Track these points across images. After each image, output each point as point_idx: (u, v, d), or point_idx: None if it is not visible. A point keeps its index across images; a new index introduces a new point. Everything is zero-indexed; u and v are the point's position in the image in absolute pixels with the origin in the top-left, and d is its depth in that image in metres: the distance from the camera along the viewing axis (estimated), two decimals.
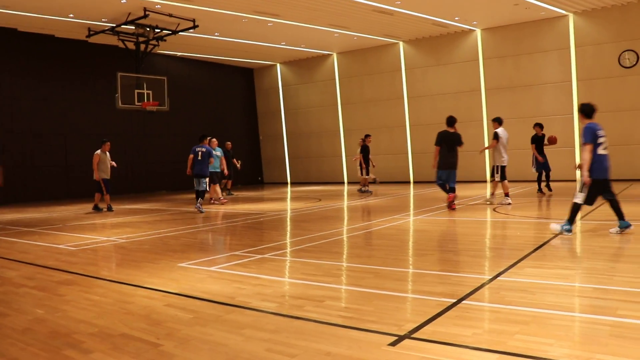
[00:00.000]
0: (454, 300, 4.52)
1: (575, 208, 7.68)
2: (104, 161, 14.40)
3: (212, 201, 15.77)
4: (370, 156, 17.84)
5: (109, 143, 14.76)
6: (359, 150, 18.74)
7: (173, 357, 3.52)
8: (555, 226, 7.85)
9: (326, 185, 23.88)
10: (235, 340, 3.78)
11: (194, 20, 17.54)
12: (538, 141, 14.96)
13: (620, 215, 7.65)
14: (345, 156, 24.84)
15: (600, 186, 7.55)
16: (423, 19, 19.07)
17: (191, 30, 18.14)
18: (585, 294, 4.75)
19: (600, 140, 7.50)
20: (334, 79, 25.00)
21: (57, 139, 19.89)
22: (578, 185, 7.73)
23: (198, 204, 13.54)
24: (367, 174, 17.89)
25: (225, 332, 3.97)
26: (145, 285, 5.60)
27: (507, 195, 12.57)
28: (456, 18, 19.26)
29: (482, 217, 10.57)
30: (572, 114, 19.22)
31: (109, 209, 14.50)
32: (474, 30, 20.94)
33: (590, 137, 7.46)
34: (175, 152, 23.22)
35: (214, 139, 15.84)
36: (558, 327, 3.79)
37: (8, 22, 17.72)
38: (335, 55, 24.86)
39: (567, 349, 3.36)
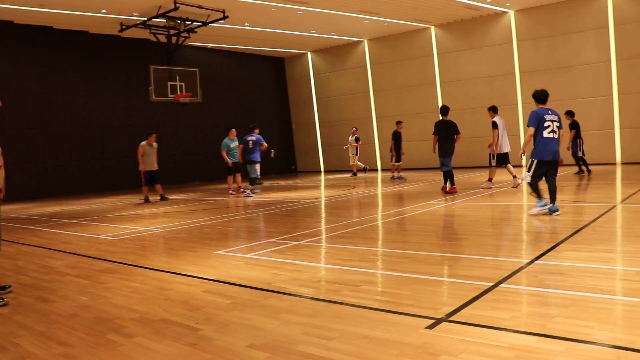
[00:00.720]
0: (492, 284, 4.48)
1: (534, 187, 8.26)
2: (148, 153, 14.58)
3: (230, 191, 16.00)
4: (402, 143, 17.93)
5: (154, 135, 14.87)
6: (351, 138, 20.36)
7: (212, 340, 3.59)
8: (533, 210, 8.31)
9: (360, 172, 23.82)
10: (273, 325, 3.82)
11: (223, 11, 17.61)
12: (577, 127, 15.23)
13: (553, 198, 8.19)
14: (379, 143, 24.72)
15: (544, 166, 8.13)
16: (454, 3, 18.76)
17: (221, 21, 18.22)
18: (627, 277, 4.64)
19: (547, 124, 8.07)
20: (365, 65, 24.84)
21: (94, 132, 20.30)
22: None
23: (249, 191, 14.85)
24: (399, 160, 17.86)
25: (263, 316, 4.02)
26: (183, 273, 5.70)
27: (490, 180, 13.13)
28: (488, 0, 18.90)
29: (519, 202, 10.42)
30: (612, 95, 18.71)
31: (146, 200, 14.75)
32: (507, 12, 20.52)
33: (534, 121, 8.13)
34: (209, 143, 23.43)
35: (233, 129, 15.90)
36: (599, 310, 3.73)
37: (44, 20, 18.10)
38: (366, 42, 24.68)
39: (609, 332, 3.30)
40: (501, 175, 15.34)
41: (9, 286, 5.31)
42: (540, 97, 8.44)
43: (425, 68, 22.91)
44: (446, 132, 12.33)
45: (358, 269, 5.38)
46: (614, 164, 18.80)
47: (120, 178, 20.82)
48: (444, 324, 3.61)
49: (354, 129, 21.36)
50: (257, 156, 14.79)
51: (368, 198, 12.85)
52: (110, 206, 14.31)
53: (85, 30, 19.76)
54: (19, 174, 18.06)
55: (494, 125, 12.77)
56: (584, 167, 15.56)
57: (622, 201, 9.48)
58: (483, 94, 21.17)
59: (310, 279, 5.10)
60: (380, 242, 7.12)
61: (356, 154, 20.76)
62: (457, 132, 12.44)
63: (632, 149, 18.61)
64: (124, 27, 18.68)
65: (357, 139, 20.46)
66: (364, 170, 21.74)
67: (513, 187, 12.86)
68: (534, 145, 8.21)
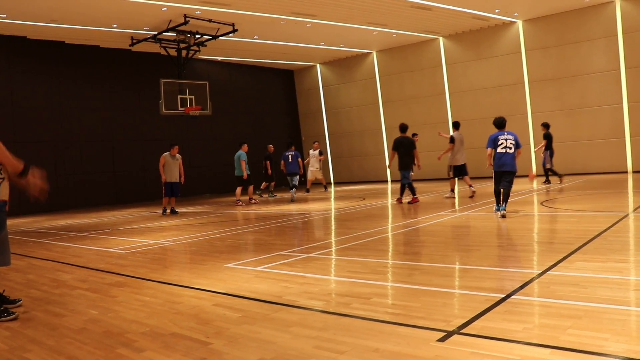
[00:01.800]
0: (503, 295, 4.44)
1: (496, 193, 10.02)
2: (169, 164, 14.51)
3: (253, 201, 16.77)
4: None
5: (177, 146, 14.82)
6: (314, 152, 20.11)
7: (222, 354, 3.57)
8: (496, 213, 9.86)
9: (370, 184, 23.80)
10: (284, 338, 3.80)
11: (233, 25, 17.75)
12: (549, 139, 16.40)
13: (502, 200, 9.82)
14: (389, 154, 24.69)
15: (499, 176, 9.91)
16: (462, 13, 18.80)
17: (231, 35, 18.37)
18: None
19: (500, 142, 9.88)
20: (374, 77, 24.90)
21: (105, 146, 20.46)
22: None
23: (292, 193, 16.99)
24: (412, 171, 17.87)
25: (273, 330, 4.00)
26: (193, 286, 5.70)
27: (452, 190, 14.29)
28: (497, 10, 18.92)
29: (530, 212, 10.35)
30: (622, 103, 18.62)
31: (164, 212, 14.74)
32: (515, 21, 20.52)
33: (490, 144, 10.03)
34: (219, 155, 23.57)
35: (245, 144, 16.86)
36: (613, 322, 3.67)
37: (56, 35, 18.34)
38: (374, 54, 24.76)
39: (624, 344, 3.25)
40: (520, 185, 15.24)
41: (19, 300, 5.32)
42: (497, 124, 10.25)
43: (434, 79, 22.94)
44: (405, 148, 13.46)
45: (368, 282, 5.36)
46: (625, 172, 18.66)
47: (131, 191, 20.95)
48: (456, 337, 3.58)
49: (316, 142, 21.26)
50: (296, 168, 17.38)
51: (378, 210, 12.82)
52: (121, 219, 14.36)
53: (96, 44, 19.98)
54: None
55: (451, 140, 14.01)
56: (552, 178, 16.82)
57: (634, 210, 9.39)
58: (492, 104, 21.13)
59: (321, 292, 5.07)
60: (390, 254, 7.09)
61: (320, 168, 20.53)
62: (414, 147, 13.61)
63: None
64: (134, 41, 18.87)
65: (320, 153, 20.38)
66: (325, 188, 21.48)
67: (469, 197, 13.85)
68: (493, 160, 10.04)
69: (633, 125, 18.54)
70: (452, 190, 14.31)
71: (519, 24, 20.51)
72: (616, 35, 18.52)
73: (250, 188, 16.85)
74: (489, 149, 10.07)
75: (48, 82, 19.10)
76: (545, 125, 16.52)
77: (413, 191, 13.51)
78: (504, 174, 9.87)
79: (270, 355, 3.48)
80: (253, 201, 16.77)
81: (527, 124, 20.42)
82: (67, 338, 4.15)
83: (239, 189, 16.64)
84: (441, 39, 22.54)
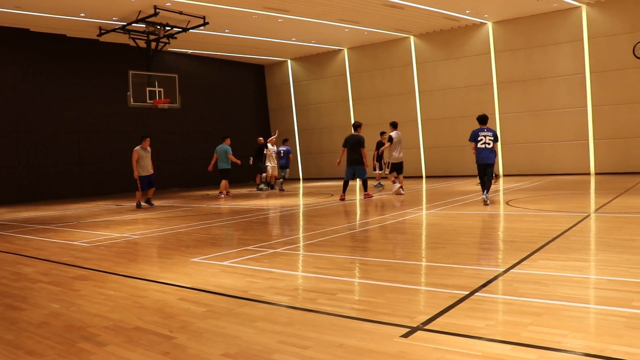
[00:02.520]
0: (467, 293, 4.51)
1: (481, 182, 11.74)
2: (143, 157, 14.23)
3: (222, 196, 17.10)
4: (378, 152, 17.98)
5: (148, 139, 14.53)
6: (272, 147, 19.10)
7: (186, 349, 3.54)
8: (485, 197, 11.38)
9: (338, 180, 23.84)
10: (248, 333, 3.79)
11: (204, 18, 17.56)
12: None
13: (485, 188, 11.44)
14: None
15: (480, 168, 11.49)
16: (434, 13, 18.96)
17: (201, 28, 18.17)
18: (599, 285, 4.71)
19: (480, 138, 11.34)
20: (345, 74, 24.94)
21: (71, 137, 20.04)
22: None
23: (279, 186, 18.45)
24: (381, 169, 17.97)
25: (238, 324, 3.99)
26: (158, 280, 5.64)
27: (394, 182, 15.21)
28: (467, 11, 19.13)
29: (495, 211, 10.52)
30: (586, 106, 19.04)
31: (138, 205, 14.48)
32: (486, 23, 20.79)
33: (472, 138, 11.49)
34: (187, 149, 23.35)
35: (228, 138, 17.29)
36: (572, 319, 3.76)
37: (21, 22, 17.87)
38: (345, 51, 24.80)
39: (581, 340, 3.34)
40: (470, 186, 15.49)
41: None
42: (480, 120, 11.59)
43: (404, 77, 23.09)
44: (351, 145, 13.92)
45: (334, 277, 5.38)
46: (588, 174, 19.10)
47: (96, 184, 20.59)
48: (419, 333, 3.62)
49: (273, 137, 19.34)
50: (287, 163, 18.81)
51: (346, 206, 12.87)
52: (86, 212, 14.12)
53: (63, 33, 19.54)
54: None
55: (389, 139, 14.80)
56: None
57: (596, 211, 9.62)
58: (461, 104, 21.40)
59: (287, 287, 5.08)
60: (357, 250, 7.13)
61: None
62: (362, 146, 13.90)
63: (605, 159, 18.95)
64: (102, 31, 18.52)
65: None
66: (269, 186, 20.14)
67: (394, 191, 14.97)
68: (475, 154, 11.50)
69: (596, 129, 18.97)
70: (394, 182, 15.14)
71: (489, 25, 20.78)
72: (582, 40, 18.91)
73: (225, 183, 17.00)
74: (472, 143, 11.52)
75: (12, 70, 18.62)
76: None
77: (344, 189, 14.18)
78: (485, 166, 11.45)
79: (234, 350, 3.47)
80: (222, 195, 16.84)
81: (495, 124, 20.70)
82: (26, 332, 4.07)
83: (224, 182, 17.02)
84: (412, 38, 22.70)
